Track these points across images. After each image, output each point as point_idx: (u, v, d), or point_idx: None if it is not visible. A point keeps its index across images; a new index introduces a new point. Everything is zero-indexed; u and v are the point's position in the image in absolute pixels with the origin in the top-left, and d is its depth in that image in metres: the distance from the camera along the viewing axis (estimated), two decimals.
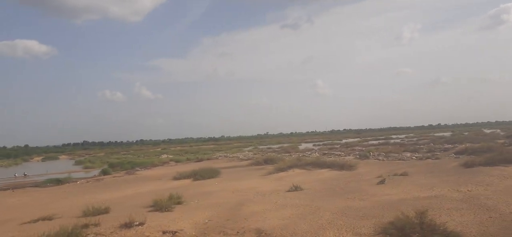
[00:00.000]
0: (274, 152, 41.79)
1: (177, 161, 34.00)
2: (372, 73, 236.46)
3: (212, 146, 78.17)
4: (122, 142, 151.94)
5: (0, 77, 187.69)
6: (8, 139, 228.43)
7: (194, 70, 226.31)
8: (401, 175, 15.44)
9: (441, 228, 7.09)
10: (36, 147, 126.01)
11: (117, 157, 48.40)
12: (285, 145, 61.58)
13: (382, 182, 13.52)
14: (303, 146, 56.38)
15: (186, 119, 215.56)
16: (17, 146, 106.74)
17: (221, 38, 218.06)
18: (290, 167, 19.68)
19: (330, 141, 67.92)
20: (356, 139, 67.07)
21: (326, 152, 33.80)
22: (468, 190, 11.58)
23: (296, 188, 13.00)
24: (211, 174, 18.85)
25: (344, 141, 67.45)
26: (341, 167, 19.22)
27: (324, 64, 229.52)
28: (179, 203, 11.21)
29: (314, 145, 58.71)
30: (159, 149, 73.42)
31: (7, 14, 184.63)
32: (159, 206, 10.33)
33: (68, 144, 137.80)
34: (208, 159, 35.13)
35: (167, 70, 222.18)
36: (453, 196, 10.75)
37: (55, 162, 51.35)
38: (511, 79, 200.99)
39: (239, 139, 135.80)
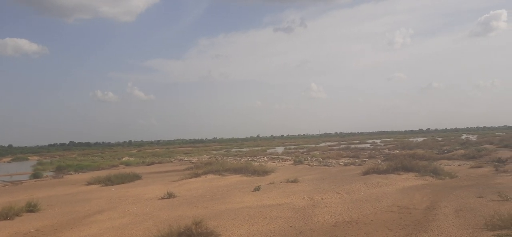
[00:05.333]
0: (236, 155, 42.03)
1: (127, 164, 34.19)
2: (366, 77, 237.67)
3: (190, 148, 78.40)
4: (110, 143, 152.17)
5: None
6: None
7: (189, 71, 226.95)
8: (292, 181, 15.70)
9: None
10: (24, 147, 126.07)
11: (83, 159, 48.50)
12: (257, 148, 61.94)
13: (257, 189, 13.79)
14: (274, 150, 56.67)
15: (179, 121, 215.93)
16: (0, 146, 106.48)
17: (218, 39, 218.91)
18: (206, 172, 19.94)
19: (306, 145, 68.35)
20: (327, 144, 67.39)
21: (276, 157, 34.04)
22: (321, 198, 11.89)
23: (169, 196, 13.27)
24: (123, 179, 19.04)
25: (320, 145, 67.84)
26: (254, 173, 19.51)
27: (318, 68, 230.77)
28: (31, 211, 11.42)
29: (286, 148, 59.18)
30: (135, 151, 73.65)
31: None
32: (4, 214, 10.54)
33: (54, 144, 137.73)
34: (159, 162, 35.35)
35: (162, 70, 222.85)
36: (296, 204, 11.05)
37: (20, 163, 51.42)
38: (502, 85, 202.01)
39: (229, 141, 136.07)
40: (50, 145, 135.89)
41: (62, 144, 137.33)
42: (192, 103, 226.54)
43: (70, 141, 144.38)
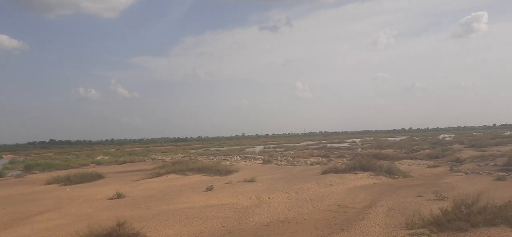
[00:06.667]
0: (213, 154, 41.91)
1: (98, 163, 33.78)
2: (351, 77, 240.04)
3: (170, 147, 77.85)
4: (91, 141, 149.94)
5: None
6: None
7: (174, 69, 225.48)
8: (249, 181, 15.72)
9: None
10: (3, 145, 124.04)
11: (57, 158, 47.65)
12: (236, 147, 61.93)
13: (209, 189, 13.79)
14: (253, 149, 56.68)
15: (164, 119, 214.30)
16: None
17: (203, 37, 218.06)
18: (169, 172, 19.81)
19: (286, 144, 68.63)
20: (307, 143, 67.86)
21: (248, 156, 34.07)
22: (268, 198, 11.96)
23: (118, 196, 13.18)
24: (82, 179, 18.79)
25: (300, 144, 68.20)
26: (217, 172, 19.53)
27: (304, 67, 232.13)
28: None
29: (265, 147, 59.23)
30: (113, 149, 72.77)
31: None
32: None
33: (34, 143, 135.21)
34: (131, 161, 35.04)
35: (147, 68, 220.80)
36: (241, 204, 11.09)
37: None
38: (483, 86, 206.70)
39: (213, 140, 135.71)
40: (29, 143, 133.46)
41: (42, 142, 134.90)
42: (177, 101, 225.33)
43: (50, 139, 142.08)
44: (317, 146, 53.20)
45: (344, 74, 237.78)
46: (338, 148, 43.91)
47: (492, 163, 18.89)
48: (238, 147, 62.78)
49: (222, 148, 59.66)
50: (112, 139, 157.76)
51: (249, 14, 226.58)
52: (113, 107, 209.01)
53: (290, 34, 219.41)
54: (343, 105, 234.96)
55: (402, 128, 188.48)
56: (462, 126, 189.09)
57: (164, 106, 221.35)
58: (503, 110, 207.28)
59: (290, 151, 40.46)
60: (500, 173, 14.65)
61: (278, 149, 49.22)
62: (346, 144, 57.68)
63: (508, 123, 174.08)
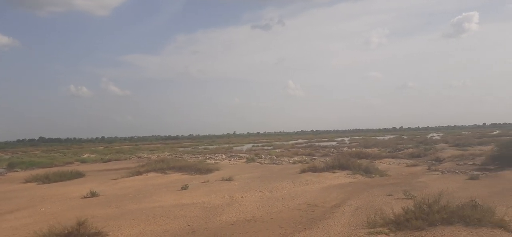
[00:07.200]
0: (199, 153, 41.82)
1: (83, 161, 33.51)
2: (344, 76, 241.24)
3: (159, 145, 77.47)
4: (81, 139, 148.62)
5: None
6: None
7: (166, 67, 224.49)
8: (226, 180, 15.70)
9: None
10: None
11: (44, 155, 47.14)
12: (225, 146, 61.80)
13: (184, 187, 13.76)
14: (242, 147, 56.59)
15: (156, 117, 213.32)
16: None
17: (196, 35, 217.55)
18: (149, 170, 19.73)
19: (275, 143, 68.74)
20: (297, 141, 68.06)
21: (233, 155, 34.05)
22: (241, 197, 11.96)
23: (92, 195, 13.09)
24: (61, 177, 18.62)
25: (290, 142, 68.34)
26: (197, 171, 19.52)
27: (296, 66, 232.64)
28: None
29: (253, 146, 59.21)
30: (102, 147, 72.30)
31: None
32: None
33: (23, 140, 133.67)
34: (116, 159, 34.83)
35: (138, 66, 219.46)
36: (212, 203, 11.09)
37: None
38: (473, 85, 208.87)
39: (205, 138, 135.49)
40: (18, 141, 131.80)
41: (31, 140, 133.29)
42: (169, 100, 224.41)
43: (39, 137, 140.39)
44: (305, 144, 53.33)
45: (336, 73, 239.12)
46: (325, 146, 44.08)
47: (471, 162, 19.08)
48: (227, 145, 62.64)
49: (210, 147, 59.50)
50: (103, 137, 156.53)
51: (242, 13, 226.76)
52: (104, 105, 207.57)
53: (283, 33, 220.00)
54: (336, 104, 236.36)
55: (393, 127, 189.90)
56: (453, 125, 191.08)
57: (156, 104, 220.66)
58: (493, 109, 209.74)
59: (277, 150, 40.50)
60: (475, 173, 14.80)
61: (266, 148, 49.23)
62: (334, 143, 57.93)
63: (498, 123, 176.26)
